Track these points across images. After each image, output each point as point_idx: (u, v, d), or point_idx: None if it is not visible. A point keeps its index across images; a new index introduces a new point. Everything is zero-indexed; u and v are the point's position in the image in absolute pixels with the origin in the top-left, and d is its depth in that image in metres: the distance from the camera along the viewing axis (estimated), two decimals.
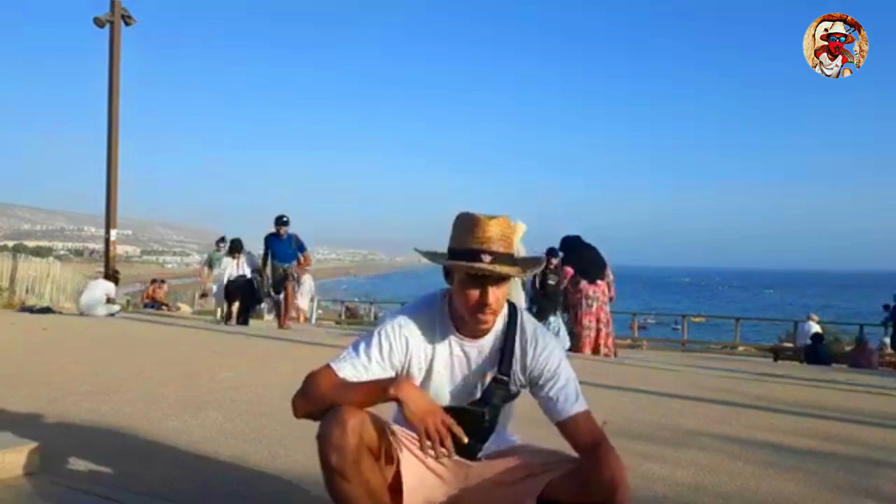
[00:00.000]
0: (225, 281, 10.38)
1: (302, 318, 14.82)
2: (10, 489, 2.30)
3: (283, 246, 9.62)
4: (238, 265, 10.27)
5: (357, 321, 19.61)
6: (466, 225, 1.72)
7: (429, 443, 1.62)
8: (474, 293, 1.71)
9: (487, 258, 1.66)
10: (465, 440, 1.68)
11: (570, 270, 8.06)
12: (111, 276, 12.15)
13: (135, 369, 5.21)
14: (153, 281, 17.83)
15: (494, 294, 1.70)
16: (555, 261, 8.49)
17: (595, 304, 7.90)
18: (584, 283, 7.92)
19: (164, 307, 15.25)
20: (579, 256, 8.13)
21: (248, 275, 10.14)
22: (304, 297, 14.93)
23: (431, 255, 1.81)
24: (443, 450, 1.63)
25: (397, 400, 1.66)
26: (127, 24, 13.66)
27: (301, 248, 9.77)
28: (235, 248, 10.49)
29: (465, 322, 1.79)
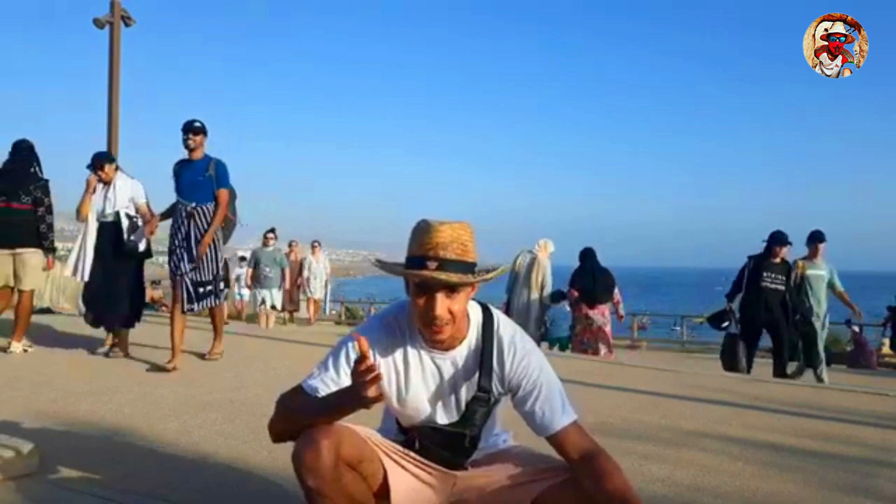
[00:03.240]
0: (89, 231, 5.51)
1: (314, 311, 13.26)
2: (10, 490, 2.30)
3: (191, 173, 5.23)
4: (111, 196, 5.53)
5: (357, 321, 19.62)
6: (418, 232, 1.62)
7: (372, 387, 1.51)
8: (422, 303, 1.61)
9: (433, 265, 1.56)
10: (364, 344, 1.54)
11: (574, 293, 8.34)
12: None
13: (134, 370, 5.20)
14: (153, 282, 17.86)
15: (444, 304, 1.59)
16: (783, 251, 7.11)
17: (595, 325, 8.18)
18: (584, 306, 8.23)
19: (163, 308, 15.25)
20: (582, 280, 8.39)
21: (125, 217, 5.51)
22: (318, 280, 13.06)
23: (385, 266, 1.71)
24: (373, 372, 1.50)
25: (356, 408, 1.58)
26: (127, 24, 13.65)
27: (222, 180, 5.23)
28: (103, 161, 5.56)
29: None
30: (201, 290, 5.30)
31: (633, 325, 20.81)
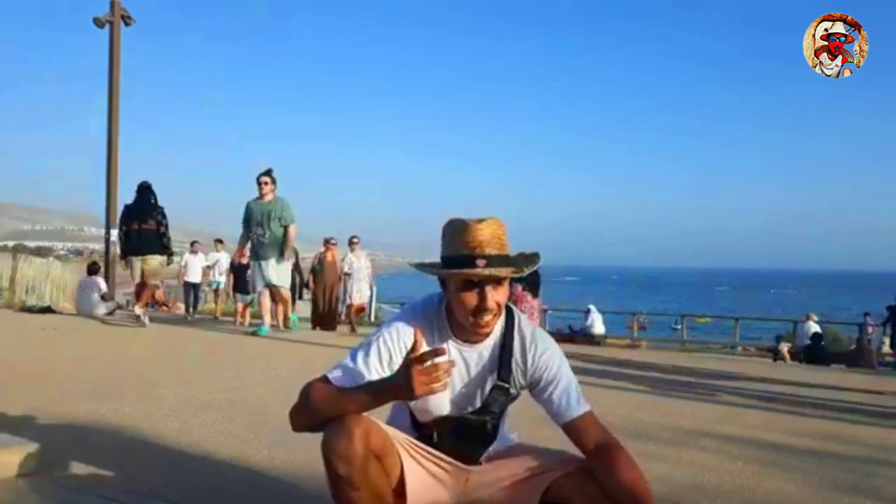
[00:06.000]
0: None
1: (355, 316, 11.48)
2: (10, 489, 2.30)
3: None
4: None
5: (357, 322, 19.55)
6: (457, 231, 1.69)
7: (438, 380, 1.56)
8: (473, 298, 1.68)
9: (482, 262, 1.64)
10: (444, 350, 1.63)
11: (519, 287, 9.52)
12: (93, 269, 11.80)
13: (134, 369, 5.21)
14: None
15: (493, 297, 1.68)
16: None
17: (535, 314, 9.77)
18: (529, 297, 9.36)
19: (164, 307, 15.26)
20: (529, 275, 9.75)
21: None
22: (362, 281, 11.41)
23: (426, 267, 1.78)
24: (445, 375, 1.57)
25: (399, 399, 1.65)
26: (127, 24, 13.66)
27: None
28: None
29: (463, 327, 1.77)
30: None
31: (632, 325, 20.82)
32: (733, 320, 20.04)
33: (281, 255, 7.92)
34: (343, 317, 11.80)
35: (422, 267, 1.79)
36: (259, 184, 8.02)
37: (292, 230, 7.99)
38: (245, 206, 8.12)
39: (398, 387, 1.59)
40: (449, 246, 1.71)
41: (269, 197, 7.98)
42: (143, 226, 8.42)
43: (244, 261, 8.49)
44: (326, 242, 11.68)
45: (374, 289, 12.15)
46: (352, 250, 11.62)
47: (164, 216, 8.49)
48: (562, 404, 1.76)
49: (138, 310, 8.49)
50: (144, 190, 8.65)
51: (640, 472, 1.66)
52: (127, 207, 8.65)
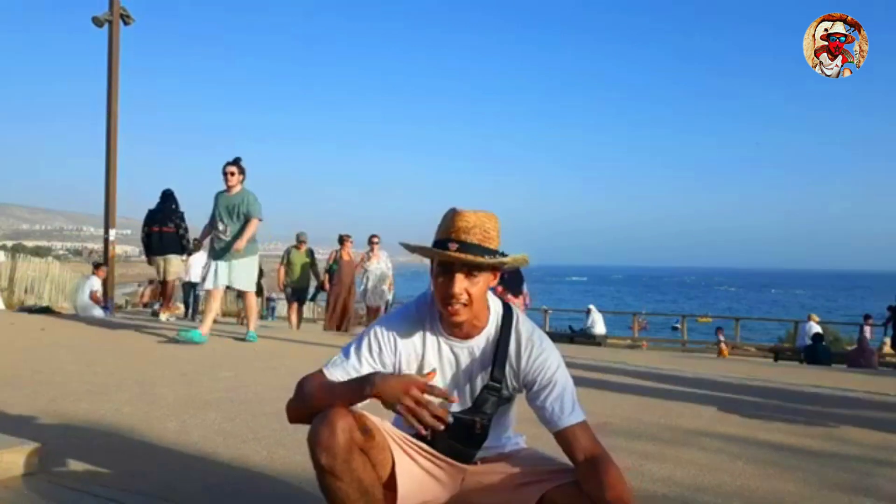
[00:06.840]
0: None
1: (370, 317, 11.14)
2: (10, 489, 2.30)
3: None
4: None
5: (358, 321, 19.55)
6: (445, 217, 1.73)
7: (419, 425, 1.55)
8: (441, 283, 1.70)
9: (454, 246, 1.66)
10: (454, 399, 1.66)
11: (499, 288, 9.46)
12: (94, 267, 11.83)
13: (134, 369, 5.20)
14: (150, 282, 17.86)
15: (462, 283, 1.68)
16: None
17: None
18: (509, 296, 9.36)
19: (167, 309, 15.22)
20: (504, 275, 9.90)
21: None
22: (381, 284, 10.97)
23: (410, 248, 1.80)
24: (436, 421, 1.55)
25: (376, 397, 1.62)
26: (126, 23, 13.66)
27: None
28: None
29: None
30: None
31: (633, 325, 20.84)
32: (734, 320, 20.07)
33: (242, 253, 6.82)
34: (365, 318, 11.43)
35: (408, 247, 1.81)
36: (225, 174, 6.90)
37: (252, 224, 6.80)
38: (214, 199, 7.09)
39: (371, 381, 1.62)
40: (437, 231, 1.74)
41: (235, 189, 6.90)
42: (163, 229, 9.61)
43: (201, 253, 7.59)
44: (341, 240, 11.11)
45: (393, 291, 11.46)
46: (371, 250, 11.14)
47: (182, 220, 9.74)
48: (554, 411, 1.73)
49: (163, 315, 9.89)
50: (166, 196, 9.74)
51: (627, 489, 1.63)
52: (150, 212, 9.66)
